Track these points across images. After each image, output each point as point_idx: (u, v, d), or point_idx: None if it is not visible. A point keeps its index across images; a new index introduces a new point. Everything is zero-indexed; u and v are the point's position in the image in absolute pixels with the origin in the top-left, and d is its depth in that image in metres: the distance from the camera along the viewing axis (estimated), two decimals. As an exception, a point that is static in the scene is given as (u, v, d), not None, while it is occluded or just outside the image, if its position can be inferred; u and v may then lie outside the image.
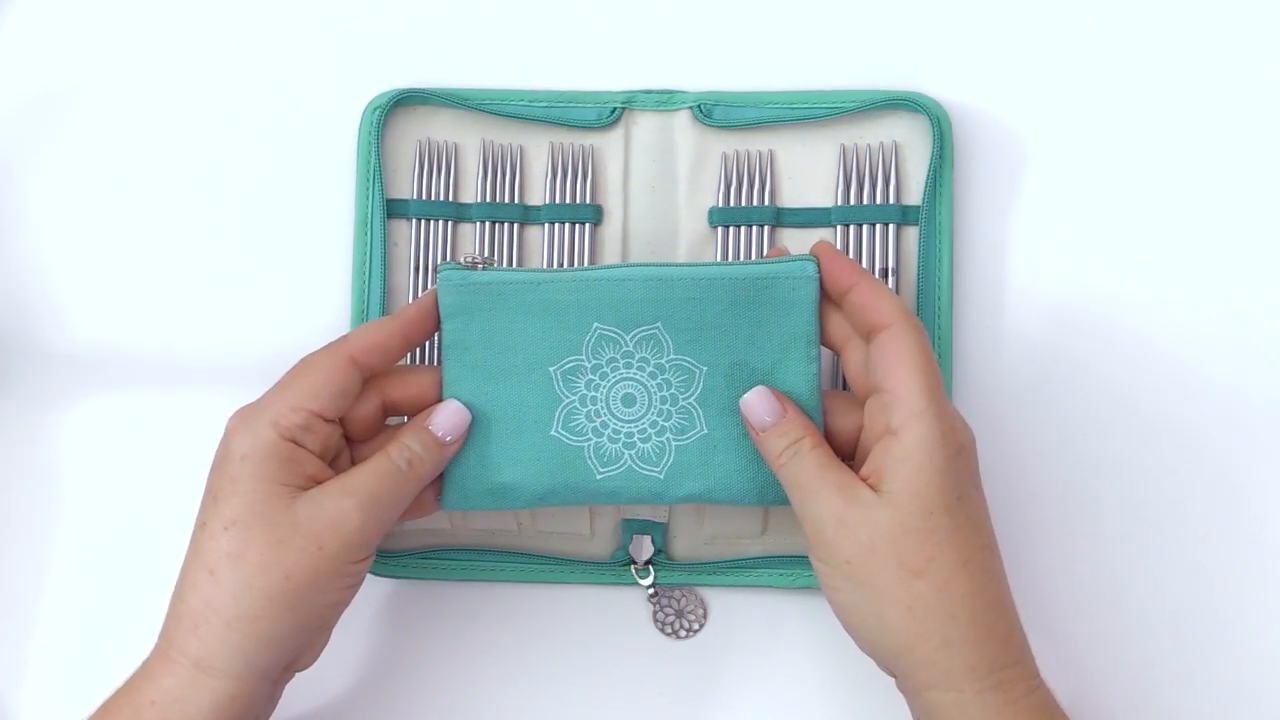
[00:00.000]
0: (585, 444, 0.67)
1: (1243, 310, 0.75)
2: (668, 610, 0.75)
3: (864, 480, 0.63)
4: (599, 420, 0.67)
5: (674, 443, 0.67)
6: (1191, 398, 0.75)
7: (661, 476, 0.68)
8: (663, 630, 0.75)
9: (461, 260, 0.68)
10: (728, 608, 0.75)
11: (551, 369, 0.67)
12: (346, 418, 0.67)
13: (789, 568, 0.74)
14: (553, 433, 0.67)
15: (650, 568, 0.74)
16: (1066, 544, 0.74)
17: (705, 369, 0.67)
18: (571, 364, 0.67)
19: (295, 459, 0.64)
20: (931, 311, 0.74)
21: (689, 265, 0.67)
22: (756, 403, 0.66)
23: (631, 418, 0.67)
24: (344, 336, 0.67)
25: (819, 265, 0.67)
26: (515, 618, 0.75)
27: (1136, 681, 0.74)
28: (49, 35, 0.79)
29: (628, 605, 0.75)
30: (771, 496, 0.67)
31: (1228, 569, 0.74)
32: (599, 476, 0.67)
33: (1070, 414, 0.75)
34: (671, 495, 0.68)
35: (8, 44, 0.79)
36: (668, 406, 0.67)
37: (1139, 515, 0.75)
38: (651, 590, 0.75)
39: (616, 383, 0.67)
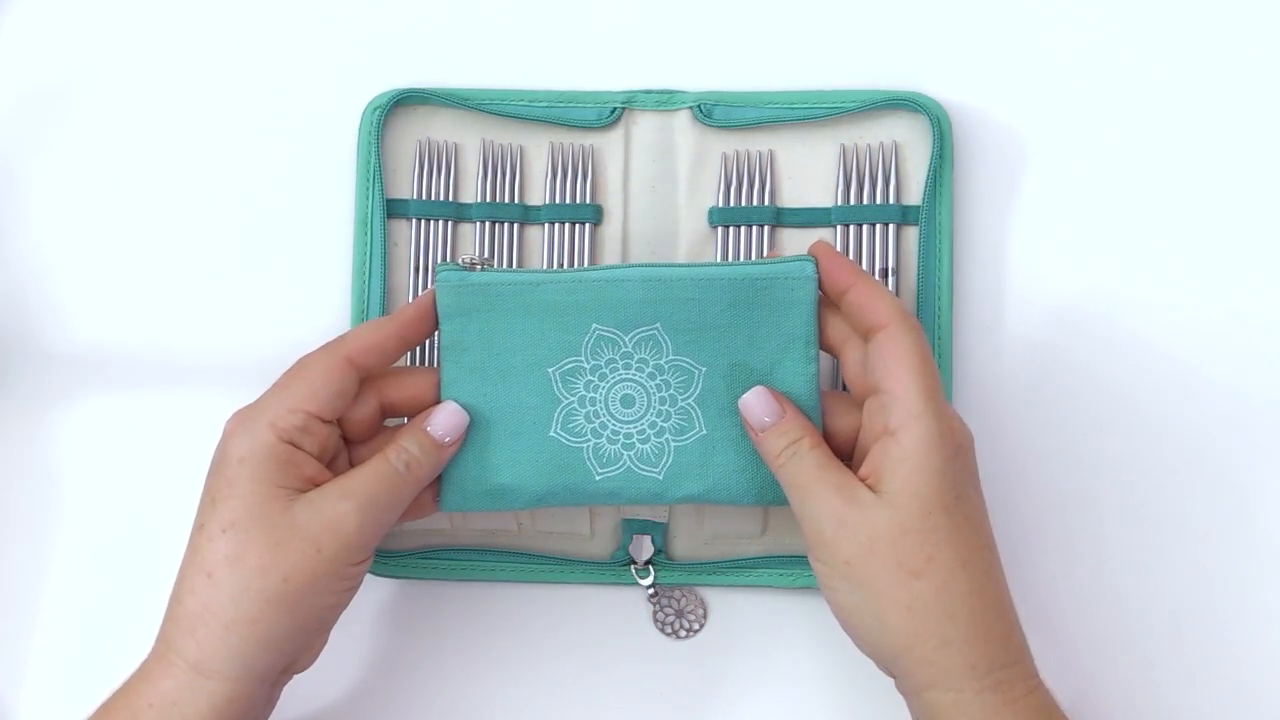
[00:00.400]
0: (584, 445, 0.67)
1: (1243, 310, 0.75)
2: (668, 610, 0.75)
3: (862, 481, 0.63)
4: (598, 421, 0.67)
5: (673, 443, 0.67)
6: (1191, 398, 0.75)
7: (661, 477, 0.68)
8: (663, 630, 0.75)
9: (460, 261, 0.68)
10: (728, 608, 0.75)
11: (550, 370, 0.67)
12: (344, 419, 0.67)
13: (789, 568, 0.74)
14: (551, 434, 0.67)
15: (650, 568, 0.74)
16: (1066, 543, 0.74)
17: (704, 370, 0.67)
18: (570, 365, 0.67)
19: (293, 461, 0.64)
20: (931, 312, 0.74)
21: (688, 266, 0.67)
22: (755, 403, 0.66)
23: (630, 419, 0.67)
24: (341, 337, 0.67)
25: (817, 266, 0.66)
26: (515, 618, 0.75)
27: (1136, 681, 0.74)
28: (49, 34, 0.79)
29: (628, 605, 0.75)
30: (770, 497, 0.67)
31: (1228, 569, 0.74)
32: (598, 477, 0.67)
33: (1070, 414, 0.75)
34: (671, 496, 0.68)
35: (8, 44, 0.79)
36: (667, 407, 0.67)
37: (1138, 515, 0.75)
38: (651, 590, 0.75)
39: (615, 384, 0.67)
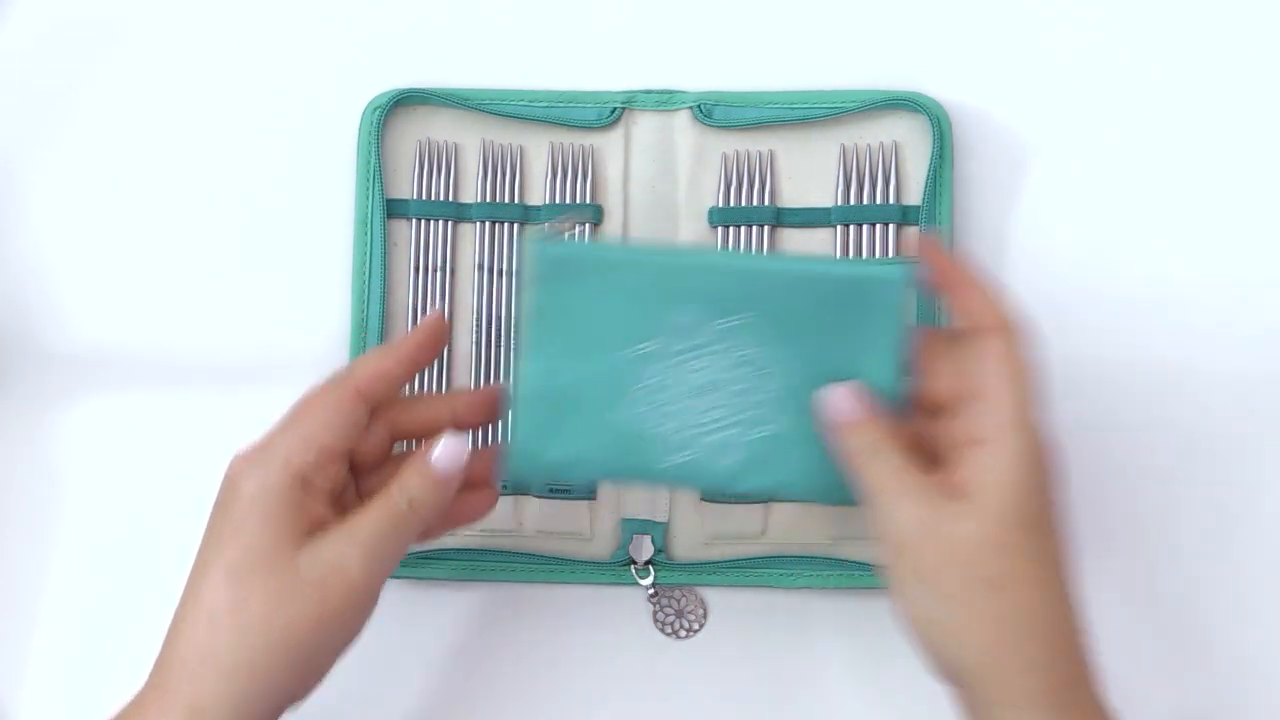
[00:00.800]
0: (656, 429, 0.66)
1: (1244, 308, 0.75)
2: (668, 610, 0.75)
3: (949, 487, 0.61)
4: (672, 407, 0.66)
5: (746, 436, 0.66)
6: (1193, 396, 0.75)
7: (730, 468, 0.66)
8: (663, 630, 0.75)
9: (555, 227, 0.66)
10: (728, 608, 0.75)
11: (630, 351, 0.65)
12: (354, 449, 0.65)
13: (789, 568, 0.74)
14: (624, 414, 0.65)
15: (650, 568, 0.74)
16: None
17: (786, 365, 0.65)
18: (650, 348, 0.65)
19: (305, 500, 0.62)
20: (932, 312, 0.74)
21: (783, 260, 0.66)
22: (837, 400, 0.64)
23: (705, 408, 0.66)
24: (347, 368, 0.65)
25: (923, 262, 0.64)
26: (515, 618, 0.75)
27: (1149, 683, 0.74)
28: (49, 34, 0.79)
29: (628, 605, 0.75)
30: (842, 497, 0.65)
31: (1235, 567, 0.74)
32: (666, 463, 0.66)
33: (1071, 414, 0.75)
34: (738, 488, 0.66)
35: (8, 44, 0.79)
36: (743, 399, 0.65)
37: (1140, 514, 0.75)
38: (651, 590, 0.75)
39: (694, 371, 0.66)
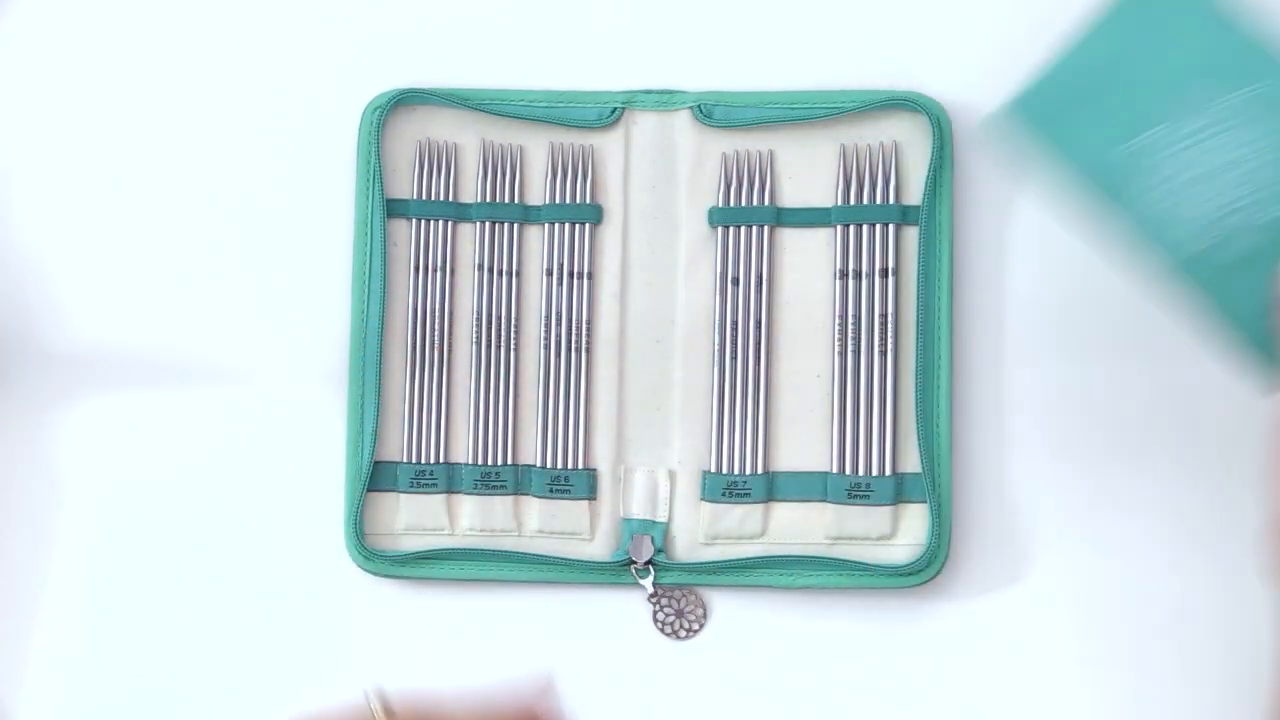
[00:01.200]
0: (1141, 181, 0.64)
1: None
2: (668, 610, 0.75)
3: None
4: (1159, 173, 0.64)
5: (1215, 244, 0.63)
6: (1193, 396, 0.75)
7: (1187, 260, 0.64)
8: (663, 630, 0.75)
9: None
10: (728, 608, 0.75)
11: (1159, 103, 0.64)
12: None
13: (789, 568, 0.74)
14: (1122, 154, 0.64)
15: (650, 568, 0.74)
16: (1063, 546, 0.74)
17: None
18: (1175, 109, 0.64)
19: None
20: (932, 311, 0.74)
21: None
22: None
23: (1189, 192, 0.64)
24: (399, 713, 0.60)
25: None
26: (515, 619, 0.75)
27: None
28: (49, 35, 0.79)
29: (628, 605, 0.75)
30: (1269, 353, 0.63)
31: (1238, 566, 0.74)
32: (1134, 216, 0.64)
33: (1071, 414, 0.75)
34: (1183, 281, 0.64)
35: (8, 44, 0.79)
36: (1228, 201, 0.64)
37: (1139, 514, 0.74)
38: (651, 591, 0.75)
39: (1201, 152, 0.64)
